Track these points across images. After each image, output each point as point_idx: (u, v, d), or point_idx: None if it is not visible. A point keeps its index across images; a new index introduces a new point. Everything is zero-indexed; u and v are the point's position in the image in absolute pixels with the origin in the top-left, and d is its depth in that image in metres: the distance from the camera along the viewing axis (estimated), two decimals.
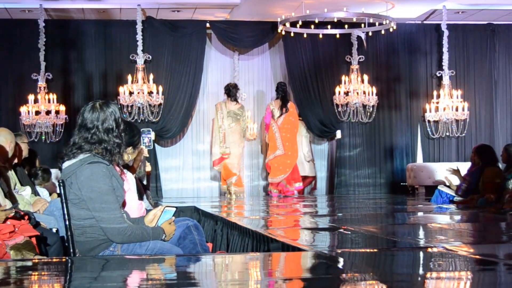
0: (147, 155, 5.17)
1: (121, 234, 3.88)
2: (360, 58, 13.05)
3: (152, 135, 12.15)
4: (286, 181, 12.50)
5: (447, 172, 9.37)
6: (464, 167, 9.60)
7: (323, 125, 13.20)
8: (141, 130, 4.95)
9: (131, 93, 11.96)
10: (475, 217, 6.90)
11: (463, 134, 13.28)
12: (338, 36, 12.70)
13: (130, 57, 12.47)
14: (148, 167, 6.95)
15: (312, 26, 12.12)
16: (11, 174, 5.73)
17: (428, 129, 13.36)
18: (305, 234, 5.25)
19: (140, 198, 5.02)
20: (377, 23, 11.81)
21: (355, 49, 13.03)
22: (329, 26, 12.42)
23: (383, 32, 12.53)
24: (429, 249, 3.98)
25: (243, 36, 13.03)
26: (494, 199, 7.86)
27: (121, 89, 11.98)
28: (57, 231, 5.24)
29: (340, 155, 13.31)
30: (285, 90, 12.66)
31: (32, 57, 12.34)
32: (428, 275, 3.22)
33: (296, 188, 12.51)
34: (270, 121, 12.61)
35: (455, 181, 9.28)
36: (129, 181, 4.53)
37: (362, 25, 12.22)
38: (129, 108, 12.12)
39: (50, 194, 6.97)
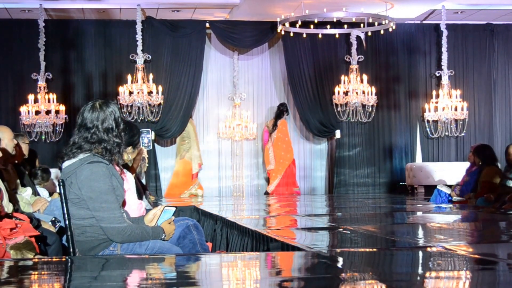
0: (146, 155, 5.17)
1: (121, 234, 3.89)
2: (359, 58, 13.06)
3: (152, 135, 12.19)
4: (284, 187, 12.99)
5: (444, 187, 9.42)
6: (463, 166, 9.62)
7: (323, 124, 13.22)
8: (140, 130, 4.95)
9: (130, 93, 11.97)
10: (474, 216, 6.91)
11: (462, 134, 13.29)
12: (337, 36, 12.73)
13: (130, 57, 12.48)
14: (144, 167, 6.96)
15: (312, 26, 12.14)
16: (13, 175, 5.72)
17: (427, 129, 13.37)
18: (305, 234, 5.25)
19: (140, 197, 5.03)
20: (376, 23, 11.83)
21: (355, 49, 13.04)
22: (328, 26, 12.44)
23: (382, 32, 12.54)
24: (428, 249, 3.99)
25: (242, 36, 13.05)
26: (493, 199, 7.87)
27: (120, 89, 11.99)
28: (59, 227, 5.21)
29: (339, 155, 13.32)
30: (281, 110, 13.07)
31: (32, 57, 12.35)
32: (427, 274, 3.23)
33: (294, 192, 12.97)
34: (267, 138, 13.14)
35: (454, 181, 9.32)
36: (129, 181, 4.54)
37: (362, 25, 12.24)
38: (129, 108, 12.13)
39: (51, 194, 6.97)
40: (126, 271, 3.44)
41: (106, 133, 3.93)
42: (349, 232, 5.02)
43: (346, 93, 12.68)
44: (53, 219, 5.16)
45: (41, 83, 12.16)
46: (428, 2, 12.33)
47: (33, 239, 4.27)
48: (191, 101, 12.97)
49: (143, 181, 8.19)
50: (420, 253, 3.90)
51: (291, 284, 2.99)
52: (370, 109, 12.91)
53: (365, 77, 12.70)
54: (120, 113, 4.04)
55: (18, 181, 5.89)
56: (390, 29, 11.75)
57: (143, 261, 3.67)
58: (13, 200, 5.20)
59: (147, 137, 5.25)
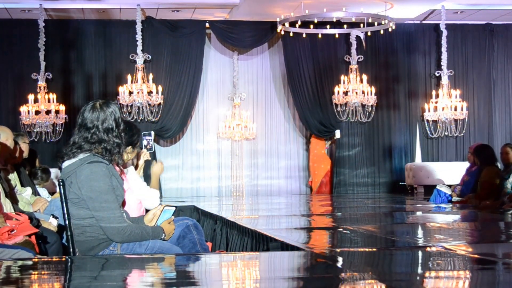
0: (149, 158, 5.14)
1: (120, 234, 3.88)
2: (359, 58, 13.06)
3: (152, 134, 12.20)
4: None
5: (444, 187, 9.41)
6: (463, 166, 9.61)
7: (322, 124, 13.22)
8: (143, 133, 4.95)
9: (130, 93, 11.97)
10: (473, 216, 6.91)
11: (462, 134, 13.30)
12: (337, 36, 12.73)
13: (130, 57, 12.48)
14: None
15: (311, 26, 12.13)
16: (13, 175, 5.72)
17: (427, 129, 13.38)
18: (304, 234, 5.25)
19: None
20: (376, 23, 11.84)
21: (354, 49, 13.04)
22: (328, 26, 12.44)
23: (382, 32, 12.54)
24: (428, 249, 3.99)
25: (242, 36, 13.05)
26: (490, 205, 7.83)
27: (120, 89, 12.00)
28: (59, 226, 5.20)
29: (339, 155, 13.32)
30: None
31: (32, 57, 12.35)
32: (427, 274, 3.23)
33: None
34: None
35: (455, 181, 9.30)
36: (132, 178, 4.55)
37: (361, 25, 12.24)
38: (129, 108, 12.14)
39: (52, 194, 6.97)
40: (126, 271, 3.44)
41: (106, 133, 3.92)
42: (349, 232, 5.03)
43: (345, 93, 12.68)
44: (52, 215, 5.15)
45: (41, 83, 12.16)
46: (427, 2, 12.33)
47: (33, 238, 4.27)
48: (191, 101, 12.98)
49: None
50: (420, 253, 3.90)
51: (291, 284, 2.99)
52: (370, 109, 12.91)
53: (364, 77, 12.70)
54: (120, 114, 4.03)
55: (18, 180, 5.90)
56: (390, 29, 11.75)
57: (143, 261, 3.67)
58: (13, 199, 5.20)
59: (147, 139, 5.15)
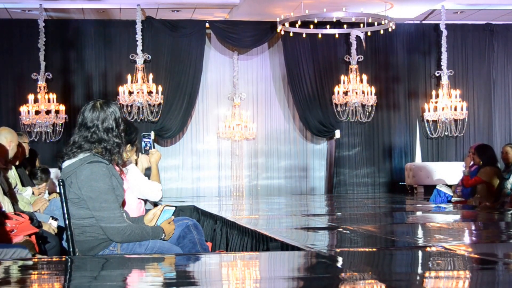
0: (149, 165, 5.15)
1: (120, 234, 3.88)
2: (359, 58, 13.06)
3: (152, 135, 12.20)
4: None
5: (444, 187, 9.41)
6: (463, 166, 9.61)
7: (322, 124, 13.23)
8: (142, 134, 4.95)
9: (130, 93, 11.97)
10: (474, 216, 6.91)
11: (462, 134, 13.29)
12: (337, 36, 12.74)
13: (130, 57, 12.48)
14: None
15: (311, 26, 12.13)
16: (13, 174, 5.73)
17: (427, 129, 13.38)
18: (304, 234, 5.25)
19: None
20: (376, 23, 11.84)
21: (354, 49, 13.04)
22: (328, 26, 12.45)
23: (382, 32, 12.55)
24: (428, 248, 3.99)
25: (242, 36, 13.05)
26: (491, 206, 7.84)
27: (120, 89, 11.99)
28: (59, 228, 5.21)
29: (339, 155, 13.33)
30: None
31: (32, 57, 12.36)
32: (426, 274, 3.23)
33: None
34: None
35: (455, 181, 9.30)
36: (133, 177, 4.55)
37: (361, 25, 12.25)
38: (129, 108, 12.14)
39: (50, 194, 6.98)
40: (126, 271, 3.44)
41: (106, 132, 3.92)
42: (349, 232, 5.03)
43: (345, 93, 12.67)
44: (51, 216, 5.16)
45: (41, 83, 12.16)
46: (427, 2, 12.33)
47: (33, 238, 4.28)
48: (191, 101, 12.98)
49: None
50: (420, 253, 3.90)
51: (291, 284, 2.99)
52: (370, 109, 12.91)
53: (364, 77, 12.69)
54: (120, 113, 4.03)
55: (18, 180, 5.90)
56: (390, 29, 11.75)
57: (143, 261, 3.67)
58: (14, 199, 5.20)
59: (145, 141, 4.98)
